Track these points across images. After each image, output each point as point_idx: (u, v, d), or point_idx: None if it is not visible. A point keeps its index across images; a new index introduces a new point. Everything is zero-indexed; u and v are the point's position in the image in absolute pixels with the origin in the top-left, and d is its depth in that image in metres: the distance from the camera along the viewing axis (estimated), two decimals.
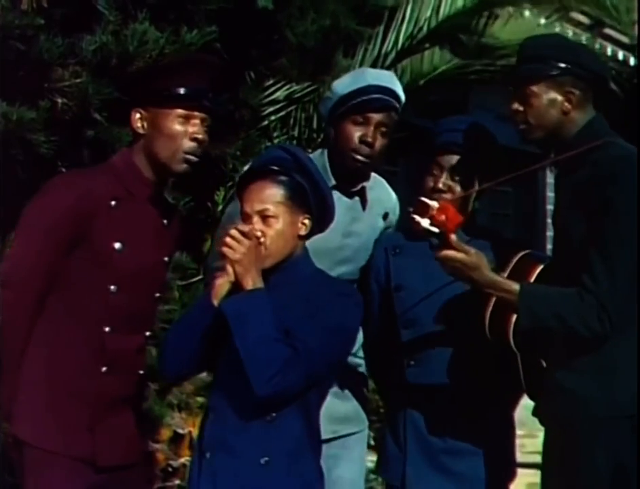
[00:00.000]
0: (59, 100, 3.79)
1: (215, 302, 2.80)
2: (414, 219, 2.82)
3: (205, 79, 3.03)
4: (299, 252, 2.89)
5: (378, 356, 3.50)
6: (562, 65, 2.97)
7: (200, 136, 3.00)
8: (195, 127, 3.00)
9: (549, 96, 2.98)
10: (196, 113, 3.00)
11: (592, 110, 3.02)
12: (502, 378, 3.17)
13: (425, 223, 2.81)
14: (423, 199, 2.84)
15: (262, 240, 2.80)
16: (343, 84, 3.44)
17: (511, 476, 3.39)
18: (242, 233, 2.77)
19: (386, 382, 3.51)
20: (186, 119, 2.99)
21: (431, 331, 3.27)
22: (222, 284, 2.80)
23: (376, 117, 3.37)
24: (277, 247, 2.83)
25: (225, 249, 2.77)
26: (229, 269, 2.78)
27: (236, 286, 2.79)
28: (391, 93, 3.41)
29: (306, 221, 2.87)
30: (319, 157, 3.46)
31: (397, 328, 3.33)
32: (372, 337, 3.46)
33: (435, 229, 2.82)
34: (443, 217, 2.81)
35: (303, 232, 2.88)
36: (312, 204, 2.88)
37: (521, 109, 3.01)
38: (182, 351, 2.84)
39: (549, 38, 3.19)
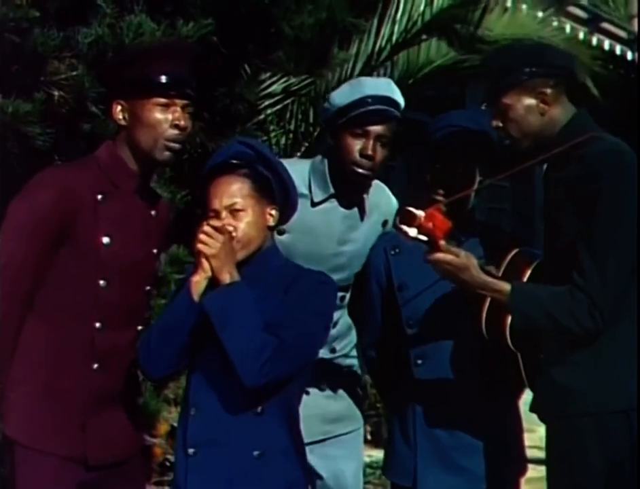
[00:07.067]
0: (55, 93, 3.78)
1: (195, 299, 2.79)
2: (401, 229, 2.80)
3: (183, 66, 2.99)
4: (268, 245, 2.91)
5: (380, 357, 3.48)
6: (527, 70, 2.95)
7: (181, 123, 2.96)
8: (176, 114, 2.96)
9: (523, 104, 2.96)
10: (177, 100, 2.96)
11: (571, 105, 3.00)
12: (508, 372, 3.15)
13: (413, 232, 2.78)
14: (409, 208, 2.80)
15: (234, 234, 2.80)
16: (341, 95, 3.37)
17: (521, 471, 3.38)
18: (215, 228, 2.77)
19: (389, 381, 3.49)
20: (166, 107, 2.95)
21: (437, 328, 3.26)
22: (199, 281, 2.79)
23: (376, 129, 3.30)
24: (249, 239, 2.83)
25: (200, 246, 2.77)
26: (206, 265, 2.77)
27: (213, 281, 2.78)
28: (390, 101, 3.33)
29: (273, 212, 2.89)
30: (319, 165, 3.42)
31: (401, 327, 3.31)
32: (374, 338, 3.45)
33: (424, 238, 2.80)
34: (430, 225, 2.78)
35: (272, 223, 2.90)
36: (277, 195, 2.90)
37: (501, 124, 3.00)
38: (167, 351, 2.81)
39: (510, 47, 3.19)
